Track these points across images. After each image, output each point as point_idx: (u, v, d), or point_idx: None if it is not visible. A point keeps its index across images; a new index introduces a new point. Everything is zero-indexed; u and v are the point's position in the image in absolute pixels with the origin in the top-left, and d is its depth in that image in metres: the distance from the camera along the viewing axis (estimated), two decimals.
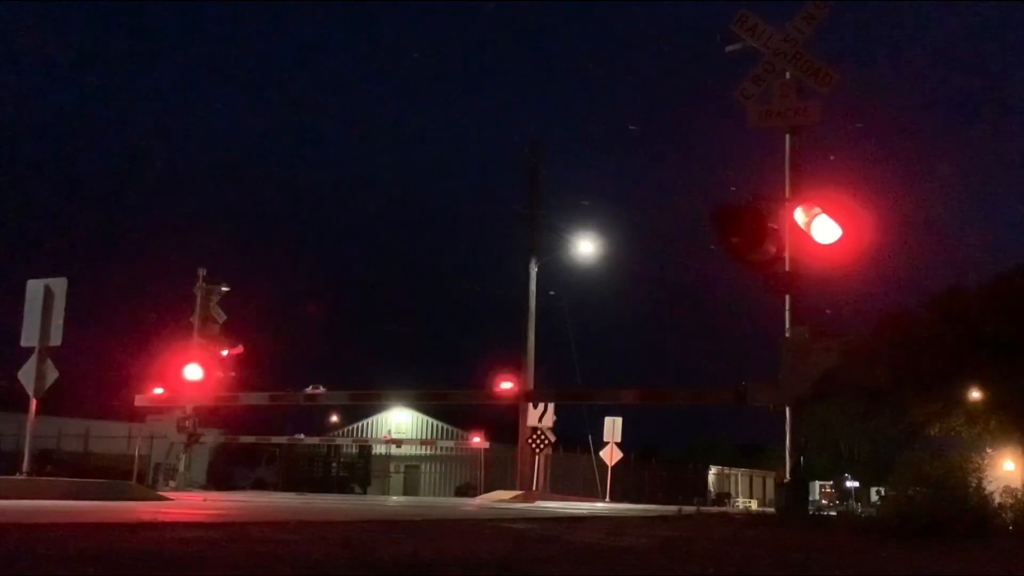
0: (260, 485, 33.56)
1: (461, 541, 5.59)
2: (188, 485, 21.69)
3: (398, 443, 39.04)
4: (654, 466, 48.65)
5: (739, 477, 59.77)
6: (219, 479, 32.71)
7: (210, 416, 24.38)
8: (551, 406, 24.83)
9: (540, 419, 24.93)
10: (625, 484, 36.89)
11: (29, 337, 13.34)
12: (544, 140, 34.14)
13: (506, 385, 17.26)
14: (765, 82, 10.18)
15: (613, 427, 31.15)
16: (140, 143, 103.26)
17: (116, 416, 32.15)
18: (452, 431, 44.84)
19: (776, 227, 9.70)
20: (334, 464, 39.49)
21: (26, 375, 13.30)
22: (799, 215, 9.57)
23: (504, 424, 29.99)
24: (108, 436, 34.09)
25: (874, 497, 46.62)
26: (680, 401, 12.23)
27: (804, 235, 9.56)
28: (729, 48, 10.58)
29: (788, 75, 10.08)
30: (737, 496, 55.97)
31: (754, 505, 50.55)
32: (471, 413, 36.68)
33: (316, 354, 60.31)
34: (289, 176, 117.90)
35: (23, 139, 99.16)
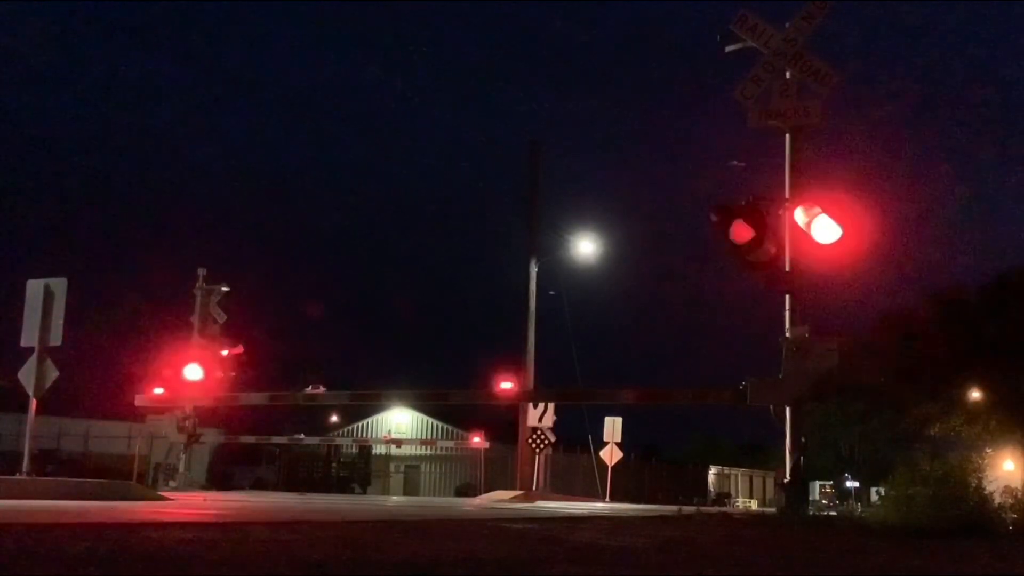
0: (260, 485, 33.57)
1: (461, 541, 5.59)
2: (188, 485, 21.67)
3: (398, 443, 39.07)
4: (654, 466, 48.66)
5: (739, 477, 59.74)
6: (219, 479, 32.71)
7: (210, 416, 24.41)
8: (551, 406, 24.83)
9: (540, 419, 24.93)
10: (625, 484, 36.89)
11: (29, 337, 13.34)
12: (544, 140, 34.15)
13: (506, 385, 17.31)
14: (765, 82, 10.18)
15: (613, 427, 31.14)
16: (141, 143, 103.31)
17: (116, 416, 32.17)
18: (452, 431, 44.82)
19: (776, 227, 9.70)
20: (334, 464, 39.50)
21: (26, 375, 13.30)
22: (799, 215, 9.58)
23: (504, 424, 29.99)
24: (108, 436, 34.14)
25: (874, 497, 46.50)
26: (680, 401, 12.23)
27: (804, 235, 9.57)
28: (729, 48, 10.59)
29: (788, 75, 10.08)
30: (737, 496, 55.96)
31: (754, 505, 50.58)
32: (471, 413, 36.67)
33: (316, 354, 60.31)
34: (289, 176, 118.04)
35: (24, 139, 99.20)
